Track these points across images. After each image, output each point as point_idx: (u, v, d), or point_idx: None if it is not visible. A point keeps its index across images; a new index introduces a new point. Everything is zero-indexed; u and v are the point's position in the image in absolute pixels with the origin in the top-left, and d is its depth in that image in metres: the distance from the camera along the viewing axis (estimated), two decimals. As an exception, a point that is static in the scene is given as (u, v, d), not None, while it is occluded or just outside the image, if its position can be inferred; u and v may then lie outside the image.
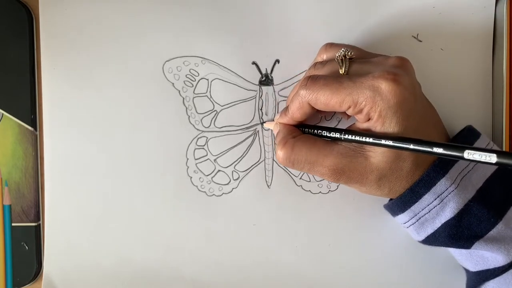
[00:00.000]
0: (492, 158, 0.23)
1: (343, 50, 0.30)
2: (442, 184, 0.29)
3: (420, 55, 0.35)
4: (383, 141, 0.27)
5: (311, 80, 0.29)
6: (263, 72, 0.36)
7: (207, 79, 0.36)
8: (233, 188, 0.36)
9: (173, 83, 0.36)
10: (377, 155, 0.28)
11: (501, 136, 0.34)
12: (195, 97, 0.36)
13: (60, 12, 0.36)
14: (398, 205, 0.30)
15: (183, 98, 0.36)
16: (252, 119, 0.36)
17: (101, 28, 0.36)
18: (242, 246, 0.36)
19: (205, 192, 0.36)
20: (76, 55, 0.36)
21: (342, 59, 0.29)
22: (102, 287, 0.36)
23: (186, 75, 0.36)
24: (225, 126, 0.36)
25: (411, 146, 0.26)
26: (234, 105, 0.36)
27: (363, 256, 0.36)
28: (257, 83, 0.36)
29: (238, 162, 0.36)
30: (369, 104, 0.27)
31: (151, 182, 0.36)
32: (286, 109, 0.32)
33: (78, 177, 0.36)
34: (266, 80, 0.36)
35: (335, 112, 0.35)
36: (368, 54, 0.32)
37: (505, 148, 0.34)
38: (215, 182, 0.36)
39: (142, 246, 0.36)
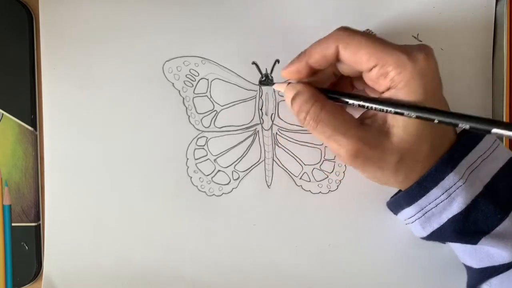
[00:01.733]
0: None
1: (366, 30, 0.30)
2: (450, 179, 0.28)
3: (420, 55, 0.35)
4: (411, 113, 0.26)
5: (350, 29, 0.28)
6: (263, 72, 0.36)
7: (207, 79, 0.36)
8: (233, 188, 0.36)
9: (173, 83, 0.36)
10: (400, 131, 0.28)
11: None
12: (195, 97, 0.36)
13: (60, 12, 0.36)
14: (404, 199, 0.30)
15: (183, 98, 0.36)
16: (252, 119, 0.36)
17: (101, 28, 0.36)
18: (242, 246, 0.36)
19: (205, 192, 0.36)
20: (76, 55, 0.36)
21: None
22: (102, 287, 0.36)
23: (186, 75, 0.36)
24: (225, 126, 0.36)
25: (441, 118, 0.25)
26: (234, 105, 0.36)
27: (363, 256, 0.36)
28: (257, 83, 0.36)
29: (238, 162, 0.36)
30: (399, 68, 0.26)
31: (151, 182, 0.36)
32: (303, 52, 0.30)
33: (78, 177, 0.36)
34: (266, 80, 0.36)
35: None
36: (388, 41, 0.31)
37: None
38: (215, 182, 0.36)
39: (142, 246, 0.36)
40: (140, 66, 0.36)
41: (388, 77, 0.27)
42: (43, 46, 0.36)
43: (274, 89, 0.36)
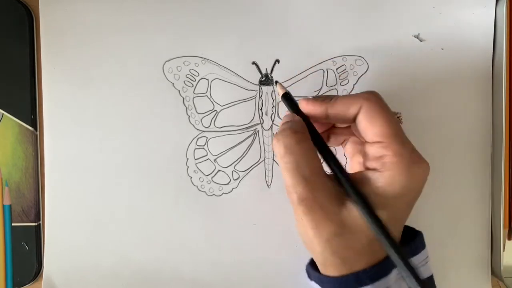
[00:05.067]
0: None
1: (397, 113, 0.32)
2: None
3: (420, 55, 0.35)
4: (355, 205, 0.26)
5: (380, 98, 0.29)
6: (263, 72, 0.36)
7: (207, 79, 0.36)
8: (233, 188, 0.36)
9: (173, 83, 0.36)
10: (352, 210, 0.27)
11: (501, 137, 0.34)
12: (195, 97, 0.36)
13: (60, 12, 0.36)
14: (334, 286, 0.28)
15: (183, 98, 0.36)
16: (252, 119, 0.36)
17: (101, 28, 0.36)
18: (242, 246, 0.36)
19: (205, 192, 0.36)
20: (76, 55, 0.36)
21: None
22: (102, 287, 0.36)
23: (186, 75, 0.36)
24: (225, 126, 0.36)
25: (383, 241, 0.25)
26: (234, 105, 0.36)
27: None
28: (257, 83, 0.36)
29: (238, 162, 0.36)
30: (395, 159, 0.26)
31: (151, 182, 0.36)
32: (329, 97, 0.29)
33: (78, 177, 0.36)
34: (266, 80, 0.36)
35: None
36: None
37: (504, 148, 0.34)
38: (215, 182, 0.36)
39: (142, 246, 0.36)
40: (140, 66, 0.36)
41: (380, 159, 0.27)
42: (43, 46, 0.36)
43: (274, 89, 0.36)
